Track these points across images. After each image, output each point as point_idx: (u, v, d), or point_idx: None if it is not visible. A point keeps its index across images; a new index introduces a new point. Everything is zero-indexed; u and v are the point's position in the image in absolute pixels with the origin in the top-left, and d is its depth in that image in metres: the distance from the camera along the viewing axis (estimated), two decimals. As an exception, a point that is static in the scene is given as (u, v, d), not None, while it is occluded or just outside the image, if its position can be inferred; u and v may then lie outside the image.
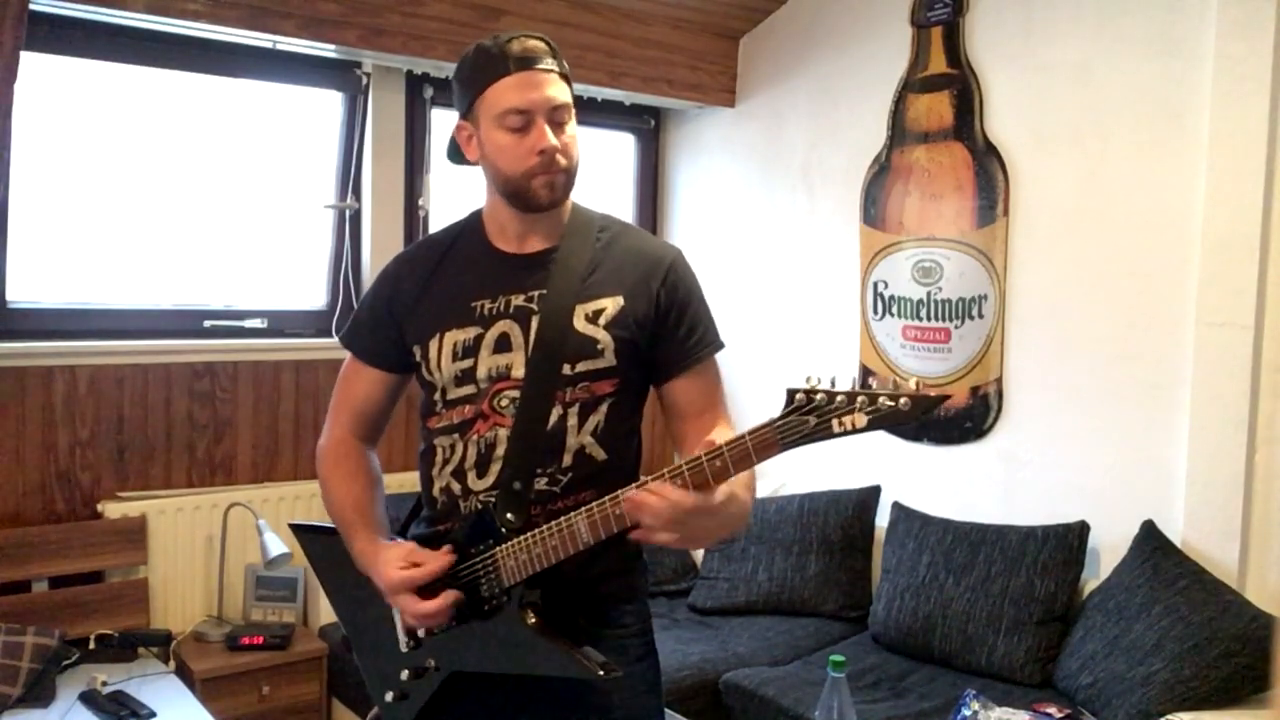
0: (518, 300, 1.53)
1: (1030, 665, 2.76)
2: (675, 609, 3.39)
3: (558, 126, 1.50)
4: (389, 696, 1.60)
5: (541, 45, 1.51)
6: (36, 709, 2.47)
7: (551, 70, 1.50)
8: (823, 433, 1.25)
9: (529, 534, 1.44)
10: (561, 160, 1.49)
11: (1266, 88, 2.55)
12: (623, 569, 1.58)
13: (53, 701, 2.51)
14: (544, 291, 1.53)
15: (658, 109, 4.16)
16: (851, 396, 1.24)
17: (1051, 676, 2.75)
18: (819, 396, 1.25)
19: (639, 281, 1.55)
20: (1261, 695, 2.36)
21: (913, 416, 1.22)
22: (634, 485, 1.36)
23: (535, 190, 1.50)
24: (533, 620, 1.45)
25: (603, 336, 1.51)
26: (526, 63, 1.48)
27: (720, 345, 1.61)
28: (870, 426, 1.24)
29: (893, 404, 1.22)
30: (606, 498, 1.38)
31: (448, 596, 1.46)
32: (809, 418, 1.25)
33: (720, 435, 1.36)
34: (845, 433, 1.24)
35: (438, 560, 1.47)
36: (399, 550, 1.50)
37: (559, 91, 1.50)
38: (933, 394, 1.23)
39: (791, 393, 1.27)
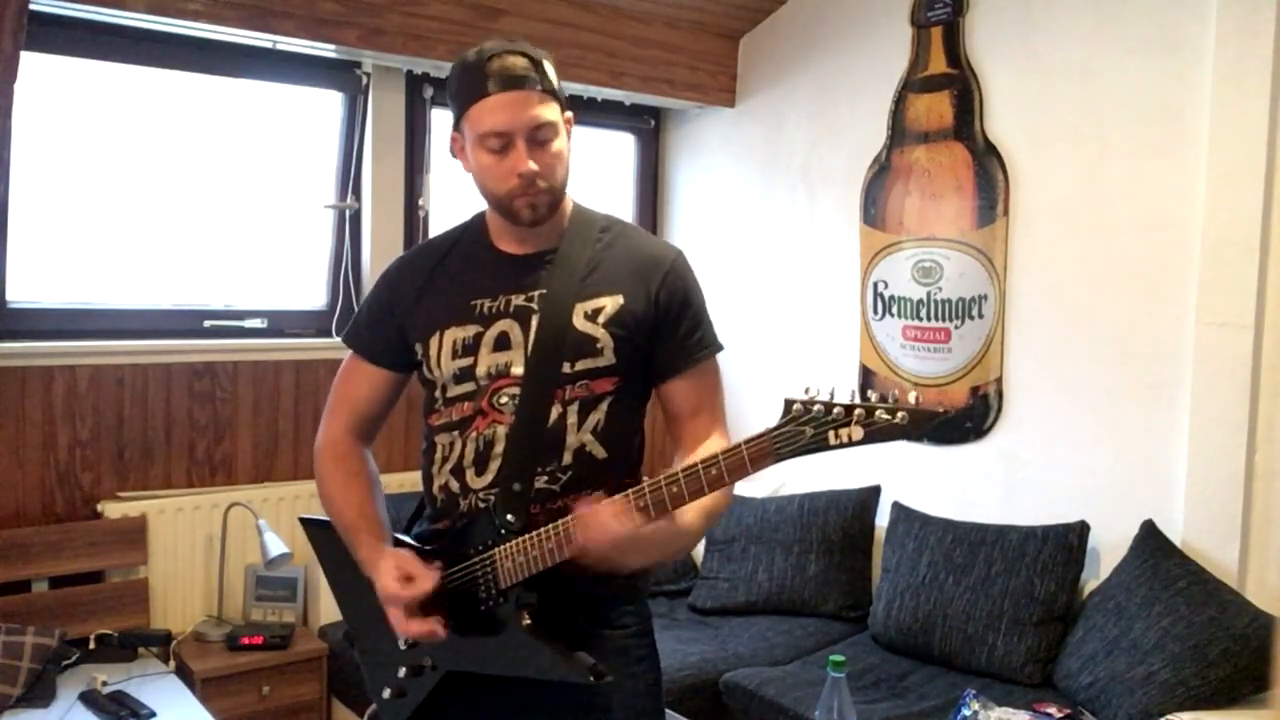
0: (518, 300, 1.54)
1: (1030, 665, 2.76)
2: (675, 609, 3.39)
3: (540, 145, 1.48)
4: (386, 693, 1.60)
5: (521, 62, 1.47)
6: (36, 709, 2.47)
7: (532, 89, 1.47)
8: (819, 444, 1.25)
9: (527, 536, 1.44)
10: (541, 182, 1.48)
11: (1266, 88, 2.55)
12: (623, 570, 1.59)
13: (53, 701, 2.51)
14: (544, 291, 1.53)
15: (658, 109, 4.16)
16: (849, 409, 1.24)
17: (1051, 676, 2.75)
18: (816, 407, 1.25)
19: (638, 281, 1.55)
20: (1261, 695, 2.36)
21: (910, 431, 1.22)
22: (587, 502, 1.39)
23: (518, 210, 1.51)
24: (527, 622, 1.45)
25: (601, 335, 1.51)
26: (505, 83, 1.46)
27: (718, 347, 1.61)
28: (867, 440, 1.24)
29: (890, 418, 1.22)
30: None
31: (435, 622, 1.46)
32: (805, 428, 1.25)
33: (710, 447, 1.37)
34: (841, 445, 1.25)
35: (426, 580, 1.46)
36: (395, 559, 1.50)
37: (539, 111, 1.47)
38: (931, 409, 1.23)
39: (789, 403, 1.27)
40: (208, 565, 3.10)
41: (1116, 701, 2.47)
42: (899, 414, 1.22)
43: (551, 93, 1.50)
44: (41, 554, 2.81)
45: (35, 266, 2.96)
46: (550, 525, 1.42)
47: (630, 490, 1.37)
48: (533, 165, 1.47)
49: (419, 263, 1.65)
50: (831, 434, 1.24)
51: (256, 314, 3.30)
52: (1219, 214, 2.66)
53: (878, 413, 1.23)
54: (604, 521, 1.34)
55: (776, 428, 1.27)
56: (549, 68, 1.51)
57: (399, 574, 1.47)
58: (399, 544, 1.57)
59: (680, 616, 3.34)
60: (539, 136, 1.48)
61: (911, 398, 1.23)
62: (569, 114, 1.55)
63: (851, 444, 1.25)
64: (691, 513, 1.39)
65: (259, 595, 3.14)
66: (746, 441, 1.29)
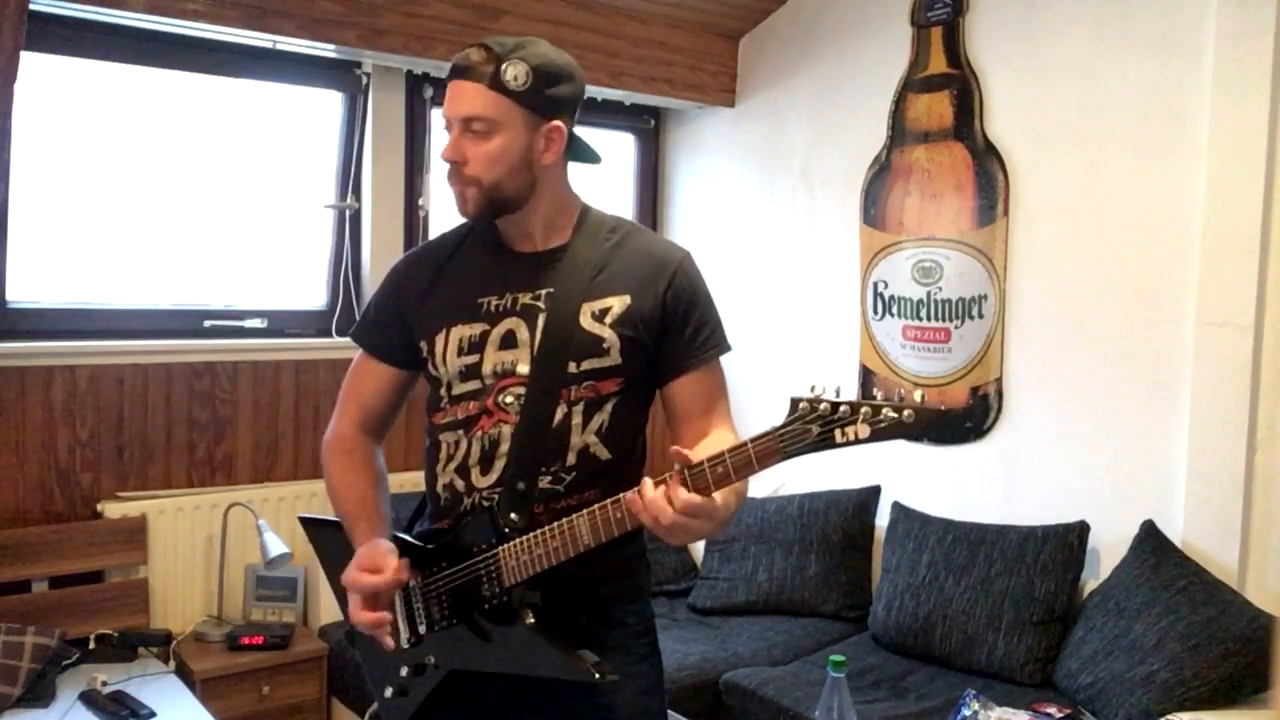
0: (525, 298, 1.54)
1: (1030, 665, 2.76)
2: (675, 609, 3.39)
3: (476, 137, 1.48)
4: (388, 692, 1.60)
5: (478, 54, 1.47)
6: (36, 709, 2.47)
7: (478, 81, 1.46)
8: (825, 443, 1.26)
9: (531, 534, 1.44)
10: (467, 173, 1.49)
11: (1266, 88, 2.55)
12: (626, 569, 1.59)
13: (53, 701, 2.51)
14: (551, 290, 1.53)
15: (658, 109, 4.16)
16: (855, 407, 1.24)
17: (1051, 676, 2.75)
18: (823, 406, 1.25)
19: (646, 281, 1.55)
20: (1261, 695, 2.36)
21: (916, 429, 1.22)
22: (637, 490, 1.36)
23: (454, 196, 1.53)
24: (531, 621, 1.45)
25: (608, 335, 1.51)
26: (455, 72, 1.49)
27: (725, 348, 1.61)
28: (873, 438, 1.24)
29: (896, 416, 1.22)
30: (609, 500, 1.39)
31: (382, 616, 1.48)
32: (812, 427, 1.26)
33: (719, 441, 1.36)
34: (848, 443, 1.25)
35: (388, 575, 1.47)
36: (367, 549, 1.51)
37: (476, 103, 1.46)
38: (936, 408, 1.23)
39: (795, 401, 1.27)
40: (208, 565, 3.10)
41: (1116, 701, 2.47)
42: (905, 412, 1.22)
43: (503, 90, 1.47)
44: (41, 554, 2.81)
45: (35, 266, 2.96)
46: (554, 524, 1.42)
47: (635, 489, 1.36)
48: (453, 154, 1.49)
49: (427, 260, 1.65)
50: (838, 432, 1.25)
51: (256, 314, 3.30)
52: (1219, 214, 2.66)
53: (884, 411, 1.23)
54: (659, 502, 1.32)
55: (783, 426, 1.27)
56: (515, 68, 1.46)
57: (367, 563, 1.49)
58: (400, 542, 1.57)
59: (680, 616, 3.34)
60: (474, 128, 1.48)
61: (917, 396, 1.24)
62: (555, 124, 1.51)
63: (858, 442, 1.25)
64: (724, 494, 1.37)
65: (259, 595, 3.14)
66: (753, 440, 1.30)
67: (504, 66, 1.46)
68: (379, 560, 1.48)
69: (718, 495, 1.34)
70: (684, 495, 1.31)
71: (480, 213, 1.53)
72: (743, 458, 1.30)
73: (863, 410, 1.23)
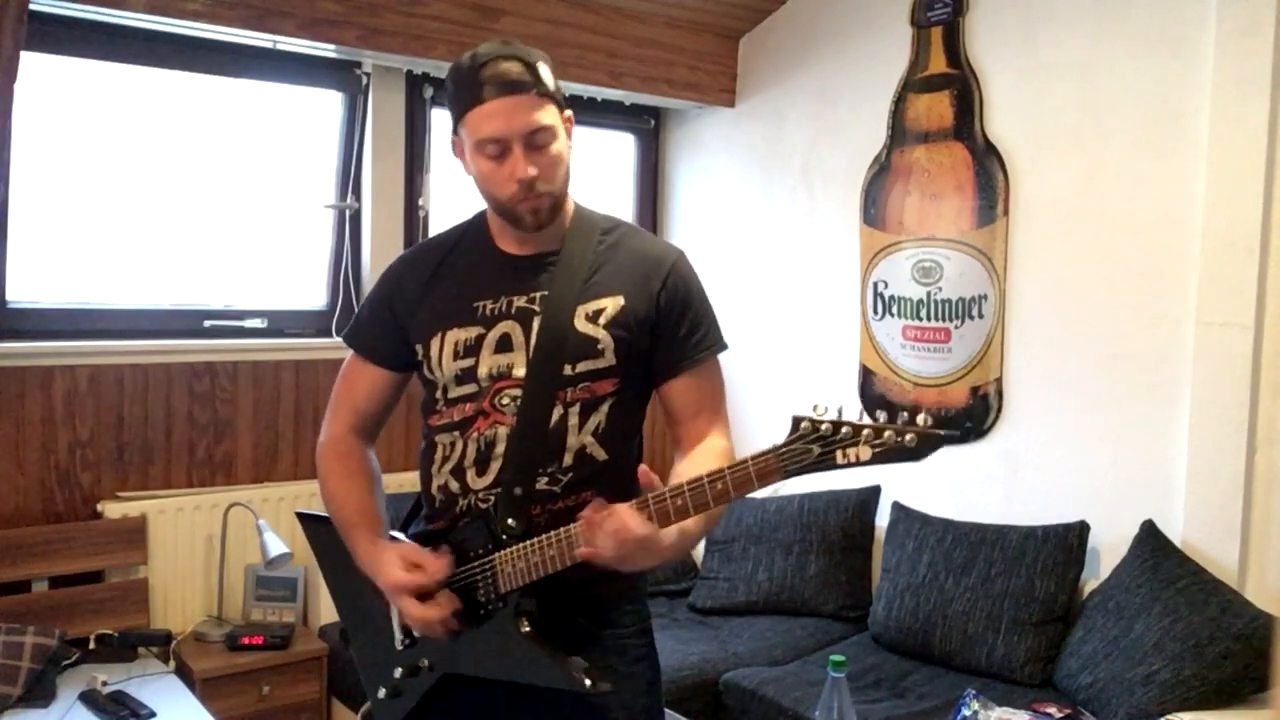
0: (520, 301, 1.54)
1: (1030, 665, 2.76)
2: (675, 609, 3.39)
3: (538, 150, 1.47)
4: (382, 693, 1.60)
5: (516, 67, 1.46)
6: (36, 709, 2.47)
7: (527, 93, 1.46)
8: (826, 463, 1.26)
9: (528, 542, 1.44)
10: (541, 186, 1.48)
11: (1266, 88, 2.55)
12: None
13: (53, 701, 2.51)
14: (546, 293, 1.53)
15: (658, 109, 4.16)
16: (857, 429, 1.24)
17: (1051, 676, 2.75)
18: (824, 426, 1.25)
19: (640, 282, 1.55)
20: (1261, 695, 2.36)
21: (917, 454, 1.23)
22: (610, 505, 1.37)
23: (520, 215, 1.51)
24: (526, 629, 1.45)
25: (603, 336, 1.51)
26: (499, 89, 1.45)
27: (721, 347, 1.61)
28: (874, 460, 1.25)
29: (898, 440, 1.22)
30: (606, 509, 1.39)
31: (448, 603, 1.46)
32: (813, 447, 1.26)
33: (709, 446, 1.41)
34: (849, 464, 1.25)
35: (438, 564, 1.46)
36: (399, 550, 1.50)
37: (535, 115, 1.46)
38: (939, 433, 1.22)
39: (797, 420, 1.27)
40: (208, 565, 3.10)
41: (1116, 701, 2.47)
42: (907, 435, 1.22)
43: (548, 95, 1.49)
44: (41, 554, 2.81)
45: (35, 266, 2.96)
46: (551, 533, 1.42)
47: (637, 500, 1.36)
48: (531, 170, 1.46)
49: (420, 263, 1.64)
50: (839, 453, 1.25)
51: (256, 314, 3.30)
52: (1219, 214, 2.66)
53: (885, 433, 1.23)
54: (617, 527, 1.33)
55: (784, 445, 1.28)
56: (544, 69, 1.49)
57: (405, 564, 1.47)
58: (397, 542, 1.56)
59: (680, 616, 3.34)
60: (536, 141, 1.47)
61: (920, 419, 1.23)
62: (568, 113, 1.55)
63: (859, 464, 1.25)
64: (692, 520, 1.39)
65: (259, 595, 3.14)
66: (753, 457, 1.30)
67: (539, 70, 1.48)
68: (418, 557, 1.47)
69: (672, 527, 1.36)
70: (634, 526, 1.33)
71: (552, 220, 1.53)
72: (742, 475, 1.31)
73: (864, 432, 1.24)
